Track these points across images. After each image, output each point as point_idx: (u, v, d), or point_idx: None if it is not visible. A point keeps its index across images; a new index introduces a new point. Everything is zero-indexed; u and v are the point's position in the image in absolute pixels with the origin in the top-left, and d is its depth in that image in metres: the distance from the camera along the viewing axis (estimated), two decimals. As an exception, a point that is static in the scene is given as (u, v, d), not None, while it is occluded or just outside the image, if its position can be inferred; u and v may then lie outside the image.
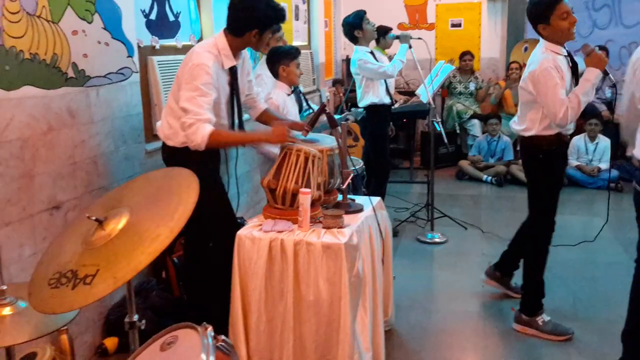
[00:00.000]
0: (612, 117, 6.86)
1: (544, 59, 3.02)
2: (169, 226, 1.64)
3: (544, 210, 3.24)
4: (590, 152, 6.55)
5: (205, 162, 2.75)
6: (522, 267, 3.40)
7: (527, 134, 3.18)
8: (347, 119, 2.95)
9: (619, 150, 6.70)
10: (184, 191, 1.79)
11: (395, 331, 3.29)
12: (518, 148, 3.66)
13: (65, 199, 2.79)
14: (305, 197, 2.59)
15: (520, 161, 6.62)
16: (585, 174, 6.40)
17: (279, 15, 2.86)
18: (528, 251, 3.35)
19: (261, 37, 2.85)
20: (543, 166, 3.18)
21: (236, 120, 2.99)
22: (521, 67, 7.22)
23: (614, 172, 6.34)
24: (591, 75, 3.00)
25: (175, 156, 2.85)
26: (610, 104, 7.01)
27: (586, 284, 3.91)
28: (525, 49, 7.90)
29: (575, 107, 2.98)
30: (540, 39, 3.15)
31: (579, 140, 6.60)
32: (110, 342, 3.04)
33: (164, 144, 2.96)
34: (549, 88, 2.98)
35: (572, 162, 6.53)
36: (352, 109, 4.04)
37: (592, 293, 3.77)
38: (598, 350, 3.09)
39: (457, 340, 3.25)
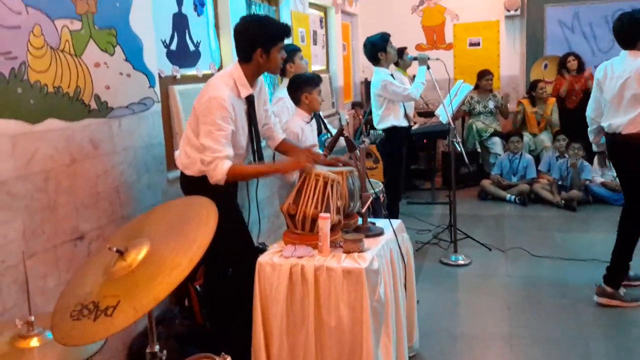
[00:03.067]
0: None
1: None
2: (188, 255, 1.64)
3: None
4: (616, 168, 6.43)
5: (222, 190, 2.77)
6: (616, 244, 3.73)
7: (634, 130, 3.62)
8: (363, 142, 2.96)
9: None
10: (202, 220, 1.80)
11: (420, 357, 3.24)
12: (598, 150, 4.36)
13: (89, 229, 2.83)
14: (324, 222, 2.59)
15: (542, 180, 6.57)
16: (611, 190, 6.28)
17: (279, 29, 2.87)
18: (627, 232, 3.72)
19: (269, 56, 2.84)
20: None
21: (255, 149, 3.01)
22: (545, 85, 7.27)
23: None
24: None
25: (193, 185, 2.89)
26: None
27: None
28: (545, 65, 7.85)
29: None
30: (623, 51, 3.68)
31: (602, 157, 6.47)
32: (134, 372, 3.04)
33: (182, 173, 2.99)
34: None
35: (597, 178, 6.42)
36: (371, 132, 4.05)
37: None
38: None
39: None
